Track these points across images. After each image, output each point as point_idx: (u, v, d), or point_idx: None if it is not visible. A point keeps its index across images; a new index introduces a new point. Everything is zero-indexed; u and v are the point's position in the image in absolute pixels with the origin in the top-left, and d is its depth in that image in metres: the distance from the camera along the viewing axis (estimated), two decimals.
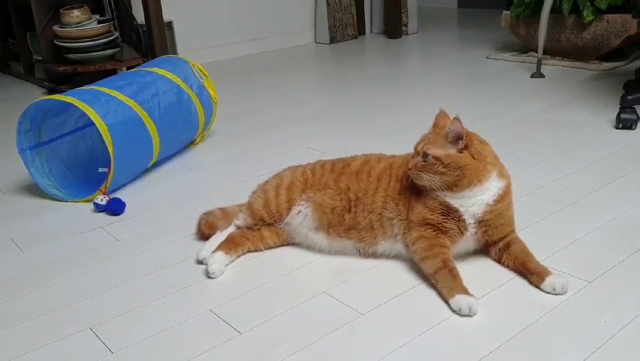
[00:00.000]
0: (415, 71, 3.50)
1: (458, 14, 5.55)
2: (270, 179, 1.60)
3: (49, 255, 1.59)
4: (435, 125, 1.39)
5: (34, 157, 1.96)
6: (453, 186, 1.33)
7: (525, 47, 3.66)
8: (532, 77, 3.13)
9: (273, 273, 1.43)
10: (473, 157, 1.32)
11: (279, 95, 3.14)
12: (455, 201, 1.34)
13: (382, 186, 1.44)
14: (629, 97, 2.25)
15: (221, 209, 1.64)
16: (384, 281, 1.37)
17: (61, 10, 3.14)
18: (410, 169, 1.35)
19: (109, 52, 3.25)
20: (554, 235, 1.53)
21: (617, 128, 2.27)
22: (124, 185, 2.01)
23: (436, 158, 1.31)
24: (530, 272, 1.32)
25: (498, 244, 1.40)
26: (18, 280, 1.48)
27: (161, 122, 2.05)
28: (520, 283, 1.33)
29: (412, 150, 1.40)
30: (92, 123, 2.00)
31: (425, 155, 1.32)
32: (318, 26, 4.49)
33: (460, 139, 1.31)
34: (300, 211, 1.50)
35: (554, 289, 1.27)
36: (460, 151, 1.31)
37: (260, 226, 1.53)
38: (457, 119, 1.30)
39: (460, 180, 1.32)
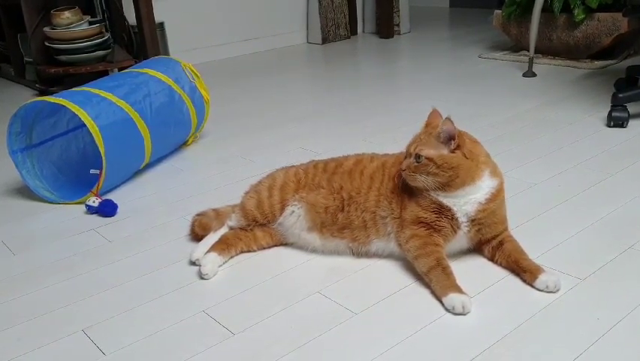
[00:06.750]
0: (407, 71, 3.51)
1: (450, 14, 5.57)
2: (262, 179, 1.59)
3: (41, 257, 1.58)
4: (427, 125, 1.40)
5: (25, 159, 1.95)
6: (446, 186, 1.33)
7: (517, 46, 3.67)
8: (524, 75, 3.14)
9: (267, 273, 1.43)
10: (465, 157, 1.32)
11: (271, 95, 3.14)
12: (448, 200, 1.34)
13: (375, 185, 1.44)
14: (621, 95, 2.27)
15: (214, 210, 1.64)
16: (378, 280, 1.37)
17: (51, 12, 3.12)
18: (404, 170, 1.35)
19: (100, 53, 3.24)
20: (546, 232, 1.54)
21: (609, 126, 2.29)
22: (116, 187, 2.00)
23: (429, 159, 1.31)
24: (523, 270, 1.32)
25: (491, 242, 1.40)
26: (9, 282, 1.47)
27: (153, 123, 2.04)
28: (513, 281, 1.33)
29: (404, 150, 1.40)
30: (83, 125, 1.99)
31: (418, 156, 1.32)
32: (310, 26, 4.49)
33: (453, 139, 1.31)
34: (293, 211, 1.50)
35: (547, 287, 1.28)
36: (453, 151, 1.32)
37: (253, 226, 1.53)
38: (448, 119, 1.30)
39: (453, 180, 1.32)
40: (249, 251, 1.52)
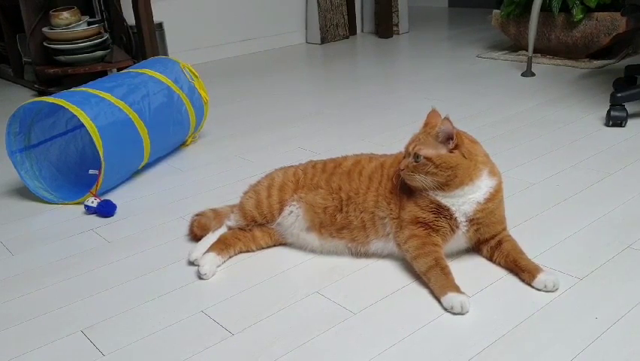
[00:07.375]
0: (405, 71, 3.51)
1: (449, 13, 5.57)
2: (261, 179, 1.59)
3: (40, 258, 1.58)
4: (426, 125, 1.40)
5: (23, 160, 1.95)
6: (444, 186, 1.33)
7: (515, 46, 3.67)
8: (522, 75, 3.14)
9: (265, 273, 1.43)
10: (464, 156, 1.32)
11: (270, 95, 3.14)
12: (447, 199, 1.34)
13: (374, 185, 1.44)
14: (619, 94, 2.27)
15: (213, 210, 1.64)
16: (377, 280, 1.37)
17: (50, 12, 3.12)
18: (402, 170, 1.35)
19: (99, 53, 3.23)
20: (545, 232, 1.54)
21: (607, 125, 2.29)
22: (115, 187, 2.00)
23: (428, 158, 1.31)
24: (522, 270, 1.33)
25: (490, 242, 1.40)
26: (8, 283, 1.47)
27: (152, 124, 2.04)
28: (512, 280, 1.34)
29: (403, 150, 1.40)
30: (82, 125, 1.99)
31: (416, 156, 1.33)
32: (309, 26, 4.49)
33: (451, 139, 1.31)
34: (291, 212, 1.50)
35: (545, 287, 1.28)
36: (451, 151, 1.32)
37: (252, 226, 1.53)
38: (447, 119, 1.30)
39: (452, 179, 1.32)
40: (247, 251, 1.52)
